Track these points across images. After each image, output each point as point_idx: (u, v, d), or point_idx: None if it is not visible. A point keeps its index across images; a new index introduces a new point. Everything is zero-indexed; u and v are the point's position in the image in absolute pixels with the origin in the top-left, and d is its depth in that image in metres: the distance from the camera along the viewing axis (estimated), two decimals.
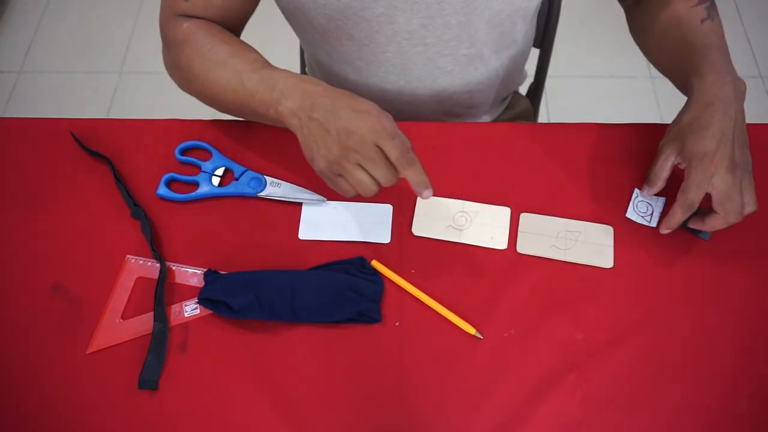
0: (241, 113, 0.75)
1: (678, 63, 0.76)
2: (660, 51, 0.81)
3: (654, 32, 0.80)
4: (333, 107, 0.64)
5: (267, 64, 0.73)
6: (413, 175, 0.63)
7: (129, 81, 1.97)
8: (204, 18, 0.78)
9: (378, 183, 0.64)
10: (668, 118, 0.74)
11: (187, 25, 0.76)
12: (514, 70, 0.98)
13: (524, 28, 0.86)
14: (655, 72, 1.16)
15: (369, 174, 0.63)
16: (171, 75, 0.81)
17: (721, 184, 0.65)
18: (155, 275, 0.71)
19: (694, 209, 0.67)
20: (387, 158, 0.63)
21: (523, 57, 0.98)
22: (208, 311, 0.69)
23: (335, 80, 0.93)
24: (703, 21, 0.75)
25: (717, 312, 0.69)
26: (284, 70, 0.71)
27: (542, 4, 1.02)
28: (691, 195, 0.66)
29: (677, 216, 0.68)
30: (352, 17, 0.76)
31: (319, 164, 0.66)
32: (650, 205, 0.74)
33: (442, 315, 0.68)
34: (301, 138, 0.67)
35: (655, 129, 0.80)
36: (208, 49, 0.74)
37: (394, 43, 0.80)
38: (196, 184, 0.77)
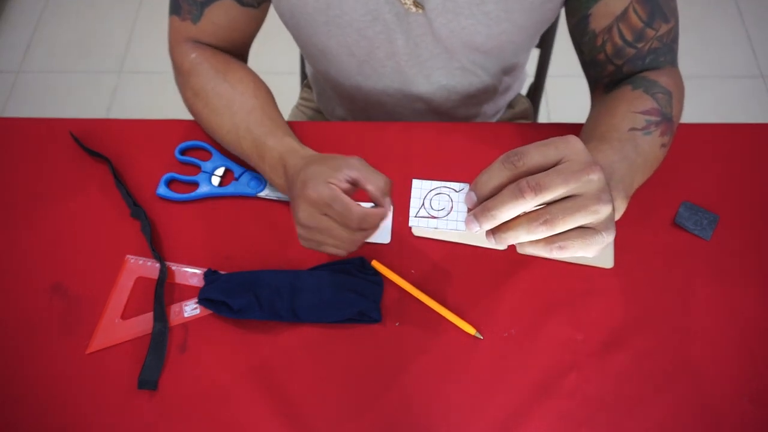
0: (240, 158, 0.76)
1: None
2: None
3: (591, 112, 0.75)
4: (292, 187, 0.63)
5: (260, 118, 0.72)
6: (371, 228, 0.60)
7: (129, 81, 1.97)
8: (211, 42, 0.79)
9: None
10: None
11: (194, 56, 0.77)
12: (511, 83, 0.99)
13: (515, 52, 0.86)
14: None
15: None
16: (180, 93, 0.81)
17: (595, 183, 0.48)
18: (155, 275, 0.71)
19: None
20: (332, 222, 0.60)
21: (520, 70, 0.99)
22: (208, 311, 0.69)
23: (335, 87, 0.94)
24: (630, 129, 0.65)
25: (717, 312, 0.69)
26: (273, 132, 0.70)
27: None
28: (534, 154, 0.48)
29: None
30: (353, 35, 0.77)
31: (301, 242, 0.65)
32: (450, 198, 0.53)
33: (442, 315, 0.68)
34: None
35: None
36: (211, 88, 0.75)
37: (393, 60, 0.81)
38: (196, 184, 0.77)
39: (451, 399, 0.65)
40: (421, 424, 0.64)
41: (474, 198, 0.50)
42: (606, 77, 0.75)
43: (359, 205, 0.59)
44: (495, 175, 0.48)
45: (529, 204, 0.47)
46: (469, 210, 0.50)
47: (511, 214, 0.48)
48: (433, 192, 0.53)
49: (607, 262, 0.71)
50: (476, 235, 0.72)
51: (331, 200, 0.59)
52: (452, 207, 0.52)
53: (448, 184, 0.53)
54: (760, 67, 1.92)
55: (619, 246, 0.72)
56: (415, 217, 0.53)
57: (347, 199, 0.59)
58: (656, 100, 0.68)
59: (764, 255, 0.72)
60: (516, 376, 0.65)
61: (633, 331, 0.67)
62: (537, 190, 0.46)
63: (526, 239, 0.49)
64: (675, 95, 0.70)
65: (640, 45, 0.70)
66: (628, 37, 0.70)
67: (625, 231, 0.73)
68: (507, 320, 0.68)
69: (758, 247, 0.72)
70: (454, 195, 0.53)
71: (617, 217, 0.56)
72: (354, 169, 0.61)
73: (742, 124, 0.81)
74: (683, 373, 0.65)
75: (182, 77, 0.78)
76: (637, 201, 0.75)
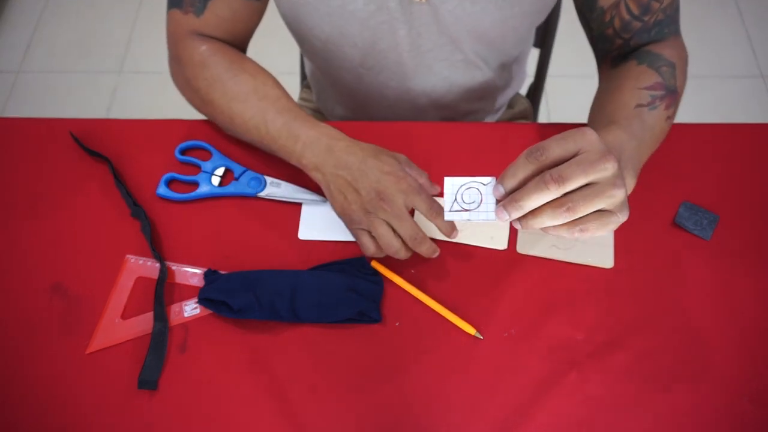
0: (260, 147, 0.76)
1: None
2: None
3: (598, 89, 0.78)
4: (360, 167, 0.68)
5: (290, 105, 0.74)
6: (442, 223, 0.66)
7: (129, 81, 1.97)
8: (215, 35, 0.79)
9: (401, 240, 0.67)
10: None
11: (205, 48, 0.76)
12: (511, 79, 0.99)
13: (517, 42, 0.87)
14: None
15: (393, 230, 0.66)
16: (182, 92, 0.81)
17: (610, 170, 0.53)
18: (155, 275, 0.71)
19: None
20: (411, 217, 0.66)
21: (520, 66, 0.99)
22: (208, 311, 0.69)
23: (335, 83, 0.93)
24: (637, 105, 0.69)
25: (717, 312, 0.69)
26: (306, 118, 0.72)
27: None
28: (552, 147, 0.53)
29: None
30: (355, 25, 0.77)
31: (347, 219, 0.69)
32: (479, 192, 0.57)
33: (442, 315, 0.68)
34: (326, 192, 0.70)
35: None
36: (230, 77, 0.75)
37: (395, 51, 0.81)
38: (196, 184, 0.77)
39: (451, 399, 0.65)
40: (421, 424, 0.64)
41: (502, 190, 0.55)
42: (614, 51, 0.78)
43: None
44: (520, 169, 0.54)
45: (553, 194, 0.52)
46: (498, 201, 0.56)
47: (536, 203, 0.53)
48: (464, 187, 0.58)
49: (607, 262, 0.71)
50: (476, 235, 0.73)
51: (420, 191, 0.67)
52: (482, 200, 0.57)
53: (476, 178, 0.58)
54: (760, 67, 1.92)
55: (619, 246, 0.72)
56: (449, 211, 0.58)
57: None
58: (660, 74, 0.72)
59: (764, 255, 0.72)
60: (516, 376, 0.65)
61: (633, 331, 0.67)
62: (560, 181, 0.52)
63: (550, 224, 0.54)
64: (678, 66, 0.73)
65: (646, 18, 0.73)
66: (635, 10, 0.73)
67: (625, 231, 0.73)
68: (507, 320, 0.68)
69: (758, 247, 0.72)
70: (482, 188, 0.57)
71: (628, 191, 0.60)
72: (410, 167, 0.71)
73: (742, 124, 0.81)
74: (683, 373, 0.65)
75: (191, 69, 0.77)
76: (637, 201, 0.75)
